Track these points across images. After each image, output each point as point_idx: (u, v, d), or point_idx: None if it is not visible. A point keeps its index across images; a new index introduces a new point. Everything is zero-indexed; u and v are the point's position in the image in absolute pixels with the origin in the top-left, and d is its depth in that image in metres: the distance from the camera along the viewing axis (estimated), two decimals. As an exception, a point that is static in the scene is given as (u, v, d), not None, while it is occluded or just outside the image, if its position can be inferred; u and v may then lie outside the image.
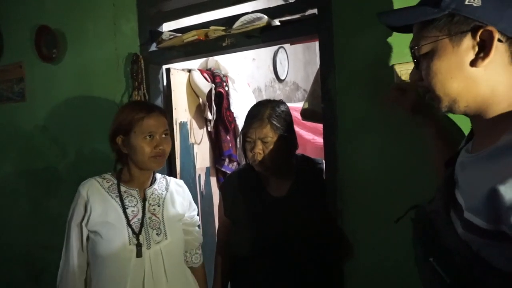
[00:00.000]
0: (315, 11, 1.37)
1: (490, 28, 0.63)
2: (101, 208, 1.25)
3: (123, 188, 1.31)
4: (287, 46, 3.76)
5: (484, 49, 0.64)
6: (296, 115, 2.06)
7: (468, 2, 0.64)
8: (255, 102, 1.52)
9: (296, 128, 2.54)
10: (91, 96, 1.94)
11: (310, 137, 2.68)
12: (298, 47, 4.13)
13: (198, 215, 1.50)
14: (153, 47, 1.78)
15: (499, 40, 0.63)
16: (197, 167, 2.23)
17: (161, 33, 1.74)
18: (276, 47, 3.62)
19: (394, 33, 1.16)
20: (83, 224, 1.25)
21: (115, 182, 1.32)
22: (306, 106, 1.64)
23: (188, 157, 2.13)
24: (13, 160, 2.28)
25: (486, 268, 0.61)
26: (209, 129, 2.33)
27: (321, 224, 1.34)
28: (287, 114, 1.39)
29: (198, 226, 1.50)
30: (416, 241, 0.79)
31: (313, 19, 1.37)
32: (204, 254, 1.52)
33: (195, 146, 2.21)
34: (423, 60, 0.70)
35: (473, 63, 0.65)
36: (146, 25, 1.78)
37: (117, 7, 1.85)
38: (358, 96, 1.29)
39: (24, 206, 2.24)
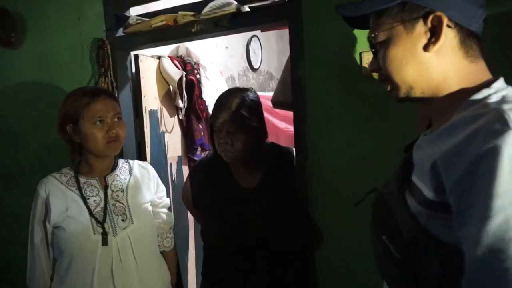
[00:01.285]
0: (285, -3, 1.35)
1: (439, 13, 0.67)
2: (61, 204, 1.23)
3: (82, 179, 1.28)
4: (260, 35, 3.72)
5: (435, 34, 0.68)
6: (269, 103, 2.05)
7: None
8: (226, 90, 1.49)
9: (269, 117, 2.54)
10: (54, 83, 1.85)
11: (283, 125, 2.67)
12: (272, 36, 4.10)
13: (170, 204, 1.47)
14: (120, 33, 1.71)
15: (448, 26, 0.67)
16: (168, 156, 2.18)
17: (128, 17, 1.68)
18: (249, 35, 3.57)
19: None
20: (46, 222, 1.23)
21: (73, 175, 1.28)
22: (277, 94, 1.62)
23: (158, 145, 2.09)
24: (-28, 151, 2.16)
25: (431, 240, 0.65)
26: (180, 118, 2.28)
27: (292, 213, 1.34)
28: (257, 103, 1.37)
29: (169, 208, 1.47)
30: (372, 223, 0.81)
31: (282, 6, 1.35)
32: (176, 245, 1.49)
33: (166, 135, 2.17)
34: (380, 49, 0.74)
35: (425, 48, 0.69)
36: (112, 9, 1.71)
37: (81, -11, 1.76)
38: (328, 84, 1.28)
39: (-15, 199, 2.13)
